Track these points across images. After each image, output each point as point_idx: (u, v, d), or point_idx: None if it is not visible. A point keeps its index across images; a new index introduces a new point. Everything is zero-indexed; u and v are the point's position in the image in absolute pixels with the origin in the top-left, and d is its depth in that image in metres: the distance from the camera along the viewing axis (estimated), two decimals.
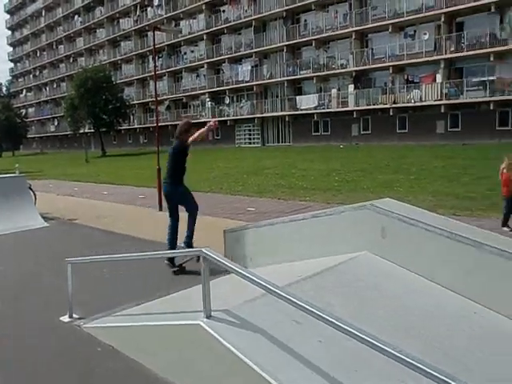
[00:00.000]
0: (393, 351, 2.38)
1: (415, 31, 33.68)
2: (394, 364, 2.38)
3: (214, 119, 6.50)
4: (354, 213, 4.85)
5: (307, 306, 2.86)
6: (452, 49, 31.34)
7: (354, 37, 36.22)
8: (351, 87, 36.46)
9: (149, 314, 4.44)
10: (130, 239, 8.69)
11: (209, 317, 3.39)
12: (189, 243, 6.52)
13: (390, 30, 33.88)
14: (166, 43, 51.02)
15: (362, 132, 36.14)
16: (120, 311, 4.84)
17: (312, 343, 3.21)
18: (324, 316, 2.77)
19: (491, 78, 29.80)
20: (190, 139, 6.27)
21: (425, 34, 32.90)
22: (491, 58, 29.24)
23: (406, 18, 33.09)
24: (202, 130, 6.26)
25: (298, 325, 3.32)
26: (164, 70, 51.88)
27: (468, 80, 30.82)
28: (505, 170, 9.33)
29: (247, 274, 3.18)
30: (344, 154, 27.72)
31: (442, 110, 31.31)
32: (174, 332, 3.71)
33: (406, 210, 4.82)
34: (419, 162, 20.33)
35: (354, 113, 35.81)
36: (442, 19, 31.42)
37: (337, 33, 37.28)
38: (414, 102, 32.86)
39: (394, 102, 33.75)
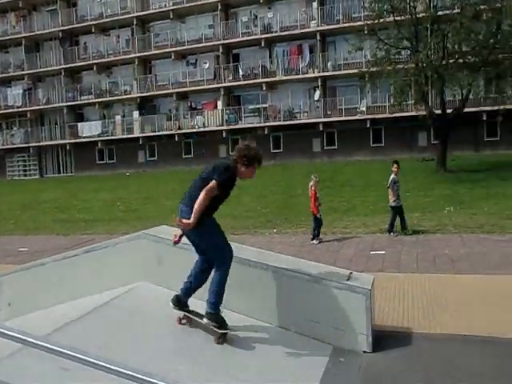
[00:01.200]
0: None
1: (197, 60, 35.24)
2: None
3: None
4: (129, 243, 4.76)
5: (70, 353, 2.65)
6: (230, 78, 33.70)
7: (137, 63, 36.22)
8: (136, 114, 36.34)
9: None
10: None
11: None
12: (213, 314, 3.94)
13: (172, 57, 34.84)
14: None
15: (148, 158, 36.21)
16: None
17: None
18: (90, 360, 2.59)
19: (265, 105, 33.03)
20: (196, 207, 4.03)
21: (205, 62, 34.73)
22: (264, 88, 32.35)
23: (188, 47, 34.42)
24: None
25: (67, 372, 3.08)
26: None
27: (245, 107, 33.50)
28: (313, 188, 9.92)
29: None
30: (131, 182, 27.33)
31: (224, 135, 33.29)
32: None
33: None
34: None
35: (140, 139, 35.68)
36: (221, 50, 33.61)
37: (119, 58, 36.85)
38: (198, 127, 34.32)
39: (179, 128, 34.71)
